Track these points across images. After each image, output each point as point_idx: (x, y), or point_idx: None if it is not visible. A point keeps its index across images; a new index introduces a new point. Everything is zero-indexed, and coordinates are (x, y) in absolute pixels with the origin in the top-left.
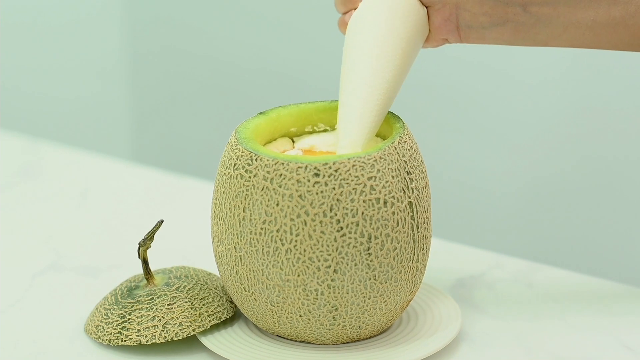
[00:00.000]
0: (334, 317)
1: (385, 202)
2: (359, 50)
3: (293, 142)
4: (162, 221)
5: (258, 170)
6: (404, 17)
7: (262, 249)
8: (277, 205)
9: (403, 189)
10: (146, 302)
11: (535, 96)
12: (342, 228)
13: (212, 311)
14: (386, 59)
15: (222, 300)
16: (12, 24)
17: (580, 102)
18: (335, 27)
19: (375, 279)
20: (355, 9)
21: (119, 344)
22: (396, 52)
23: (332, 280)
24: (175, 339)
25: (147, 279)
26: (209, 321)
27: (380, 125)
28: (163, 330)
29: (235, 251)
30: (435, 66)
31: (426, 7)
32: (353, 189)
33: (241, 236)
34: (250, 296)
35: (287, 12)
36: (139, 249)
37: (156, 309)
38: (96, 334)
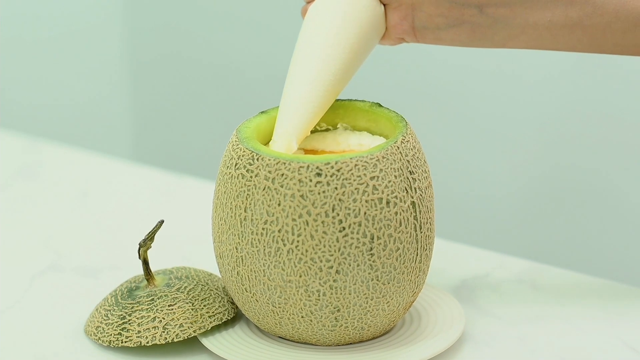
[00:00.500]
0: (336, 318)
1: (387, 202)
2: (310, 40)
3: None
4: (162, 221)
5: (259, 169)
6: (360, 12)
7: (264, 250)
8: (279, 205)
9: (406, 189)
10: (146, 303)
11: (538, 96)
12: (344, 228)
13: (213, 312)
14: (336, 51)
15: (223, 301)
16: (16, 27)
17: (582, 102)
18: None
19: (377, 280)
20: None
21: (119, 345)
22: (347, 46)
23: (334, 281)
24: (176, 340)
25: (147, 280)
26: (210, 322)
27: (320, 117)
28: (164, 332)
29: (237, 252)
30: (439, 66)
31: (383, 5)
32: (355, 188)
33: (242, 236)
34: (252, 297)
35: (288, 13)
36: (139, 249)
37: (157, 310)
38: (96, 335)
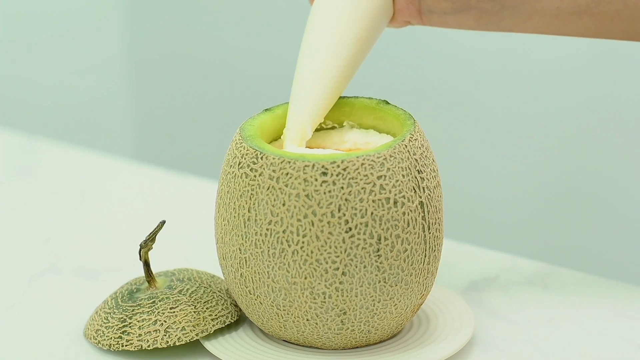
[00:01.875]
0: (342, 321)
1: (395, 202)
2: (319, 26)
3: None
4: (164, 222)
5: (263, 168)
6: None
7: (268, 251)
8: (284, 205)
9: (414, 189)
10: (147, 306)
11: (553, 96)
12: (350, 229)
13: (216, 315)
14: (346, 37)
15: (227, 304)
16: (15, 25)
17: (597, 103)
18: None
19: (385, 282)
20: None
21: (120, 349)
22: (357, 32)
23: (340, 282)
24: (177, 343)
25: (148, 282)
26: (213, 325)
27: (333, 104)
28: (165, 335)
29: (240, 253)
30: (448, 63)
31: None
32: (362, 188)
33: (246, 237)
34: (256, 299)
35: (292, 9)
36: (140, 250)
37: (158, 312)
38: (96, 339)
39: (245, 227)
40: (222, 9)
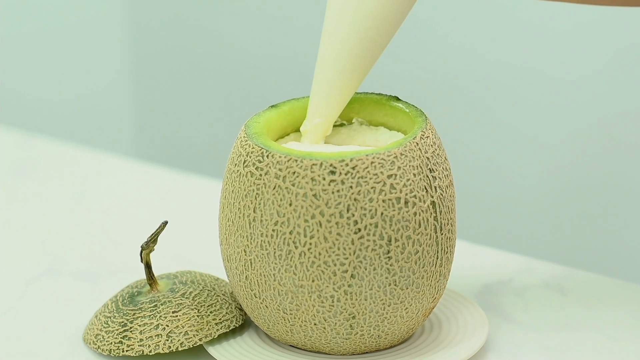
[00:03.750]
0: (351, 326)
1: (406, 202)
2: (342, 12)
3: None
4: (166, 222)
5: (269, 167)
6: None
7: (274, 252)
8: (290, 205)
9: (425, 188)
10: (149, 310)
11: (570, 95)
12: (360, 230)
13: (220, 319)
14: (371, 22)
15: (231, 308)
16: (13, 18)
17: (618, 103)
18: None
19: (395, 285)
20: None
21: (120, 355)
22: (384, 15)
23: (349, 285)
24: (180, 349)
25: (150, 285)
26: (217, 330)
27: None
28: (167, 340)
29: (245, 255)
30: (462, 61)
31: None
32: (372, 187)
33: (251, 238)
34: (261, 303)
35: (297, 3)
36: (141, 252)
37: (160, 316)
38: (95, 344)
39: (250, 228)
40: (226, 0)
